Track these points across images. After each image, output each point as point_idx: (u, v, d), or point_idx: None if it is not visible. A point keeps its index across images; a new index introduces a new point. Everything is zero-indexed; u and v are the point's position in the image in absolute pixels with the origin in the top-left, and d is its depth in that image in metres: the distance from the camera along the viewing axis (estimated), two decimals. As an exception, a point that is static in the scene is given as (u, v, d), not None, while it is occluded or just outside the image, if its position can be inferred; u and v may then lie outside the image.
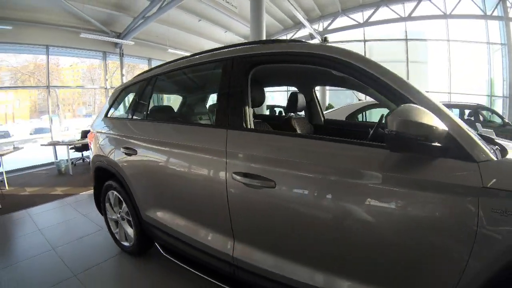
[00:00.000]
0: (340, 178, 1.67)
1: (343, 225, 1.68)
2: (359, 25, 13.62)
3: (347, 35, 14.86)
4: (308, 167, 1.78)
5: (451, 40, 13.47)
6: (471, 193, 1.35)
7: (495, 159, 1.40)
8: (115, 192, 3.43)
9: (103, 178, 3.66)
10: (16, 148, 7.53)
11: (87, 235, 4.19)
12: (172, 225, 2.65)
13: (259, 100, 2.67)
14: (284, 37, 14.87)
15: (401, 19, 12.75)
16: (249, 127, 2.11)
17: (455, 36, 13.48)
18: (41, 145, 8.82)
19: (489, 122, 10.55)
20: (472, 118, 10.52)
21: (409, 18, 12.58)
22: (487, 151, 1.41)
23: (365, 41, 14.85)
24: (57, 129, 11.20)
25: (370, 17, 13.23)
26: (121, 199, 3.33)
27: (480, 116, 10.76)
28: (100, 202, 3.85)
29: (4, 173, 7.31)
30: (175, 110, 4.20)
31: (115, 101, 3.89)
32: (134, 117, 3.38)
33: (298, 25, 14.07)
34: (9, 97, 19.40)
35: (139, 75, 3.65)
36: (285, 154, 1.87)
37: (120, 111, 4.02)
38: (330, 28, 14.20)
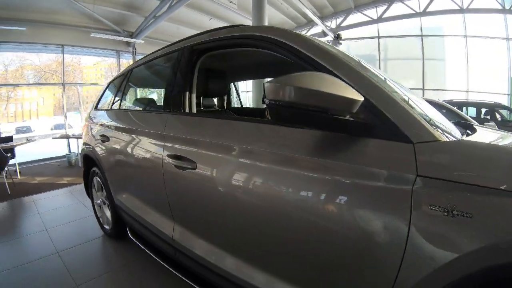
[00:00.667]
0: (249, 160, 1.63)
1: (254, 210, 1.61)
2: (372, 22, 13.47)
3: (361, 32, 14.74)
4: (221, 148, 1.80)
5: (469, 36, 13.09)
6: (401, 183, 1.09)
7: (446, 139, 1.13)
8: (97, 178, 3.77)
9: (89, 165, 4.01)
10: (29, 140, 8.15)
11: (78, 219, 4.57)
12: (133, 207, 2.90)
13: (218, 90, 2.92)
14: None
15: (416, 14, 12.50)
16: (186, 111, 2.23)
17: (472, 32, 13.08)
18: (53, 138, 9.41)
19: (507, 122, 10.24)
20: (489, 117, 10.27)
21: (424, 13, 12.32)
22: (431, 129, 1.14)
23: (379, 37, 14.67)
24: (78, 125, 11.91)
25: (384, 12, 13.05)
26: (101, 184, 3.66)
27: (498, 115, 10.47)
28: (88, 187, 4.22)
29: (17, 164, 7.92)
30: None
31: (103, 94, 4.24)
32: (112, 108, 3.71)
33: (311, 22, 14.06)
34: (33, 95, 20.57)
35: (122, 70, 3.97)
36: (205, 136, 1.95)
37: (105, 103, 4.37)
38: (343, 25, 14.09)
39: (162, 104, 2.63)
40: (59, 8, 9.38)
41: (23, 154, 8.99)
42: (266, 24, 8.53)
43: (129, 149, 2.86)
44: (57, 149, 10.40)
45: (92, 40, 10.22)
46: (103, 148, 3.38)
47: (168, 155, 2.16)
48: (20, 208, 5.29)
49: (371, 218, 1.17)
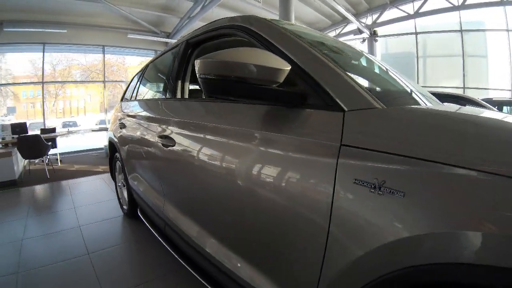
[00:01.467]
0: (200, 134, 1.88)
1: (202, 175, 1.83)
2: (409, 17, 13.03)
3: (397, 28, 14.29)
4: (187, 126, 2.06)
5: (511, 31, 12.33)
6: (327, 154, 1.03)
7: (380, 107, 1.03)
8: (118, 162, 4.22)
9: (113, 151, 4.49)
10: (69, 132, 8.99)
11: (104, 201, 5.08)
12: (139, 187, 3.25)
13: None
14: (333, 33, 14.96)
15: (454, 8, 11.98)
16: (177, 97, 2.46)
17: (516, 26, 12.27)
18: (92, 130, 10.24)
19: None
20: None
21: (463, 6, 11.73)
22: (367, 96, 1.07)
23: (416, 33, 14.13)
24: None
25: (420, 7, 12.56)
26: (121, 167, 4.10)
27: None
28: (112, 171, 4.72)
29: (58, 153, 8.81)
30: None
31: (128, 88, 4.71)
32: (128, 99, 4.17)
33: (346, 19, 13.82)
34: (80, 93, 22.15)
35: (142, 66, 4.41)
36: (181, 117, 2.21)
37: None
38: (379, 21, 13.70)
39: (161, 92, 2.97)
40: (98, 11, 10.18)
41: (66, 145, 9.95)
42: (293, 21, 8.72)
43: (136, 133, 3.23)
44: (98, 141, 11.26)
45: (131, 40, 11.02)
46: (121, 134, 3.81)
47: (158, 136, 2.46)
48: (56, 190, 5.96)
49: (298, 193, 1.13)
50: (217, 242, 1.75)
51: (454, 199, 0.73)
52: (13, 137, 7.27)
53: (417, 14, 12.76)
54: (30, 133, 8.13)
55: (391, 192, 0.82)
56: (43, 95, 11.67)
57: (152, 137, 2.66)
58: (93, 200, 5.12)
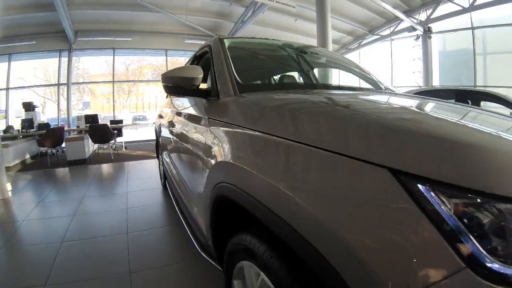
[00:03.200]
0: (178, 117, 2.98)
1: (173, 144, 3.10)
2: (463, 11, 12.29)
3: (455, 23, 13.62)
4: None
5: None
6: (205, 123, 1.91)
7: (235, 95, 1.73)
8: (159, 145, 5.46)
9: (157, 137, 5.74)
10: (134, 124, 10.74)
11: (151, 177, 6.37)
12: (165, 164, 4.37)
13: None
14: (387, 31, 14.62)
15: (512, -1, 11.23)
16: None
17: None
18: (153, 123, 11.87)
19: None
20: None
21: None
22: (231, 89, 1.78)
23: (473, 28, 13.30)
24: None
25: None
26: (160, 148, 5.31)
27: None
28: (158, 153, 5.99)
29: (123, 141, 10.66)
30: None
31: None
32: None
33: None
34: (151, 90, 24.75)
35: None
36: (177, 108, 3.23)
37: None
38: (433, 16, 13.03)
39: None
40: (160, 20, 11.86)
41: (134, 135, 11.81)
42: (329, 19, 9.17)
43: (162, 122, 4.37)
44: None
45: (189, 44, 12.53)
46: (158, 123, 5.00)
47: (168, 123, 3.59)
48: (116, 168, 7.55)
49: (193, 137, 2.14)
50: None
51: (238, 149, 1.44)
52: (86, 126, 9.11)
53: (472, 7, 12.04)
54: (100, 123, 9.96)
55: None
56: (113, 93, 14.02)
57: (165, 126, 3.76)
58: (142, 176, 6.46)
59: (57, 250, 3.09)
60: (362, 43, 15.86)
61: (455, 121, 1.07)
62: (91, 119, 9.60)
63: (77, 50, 12.32)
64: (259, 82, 2.30)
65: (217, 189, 1.49)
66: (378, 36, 14.98)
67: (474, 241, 0.62)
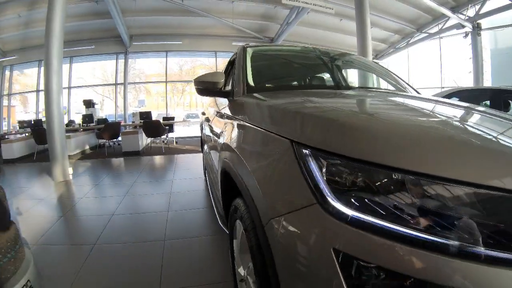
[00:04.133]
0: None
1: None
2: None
3: (504, 18, 12.47)
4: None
5: None
6: (223, 116, 2.33)
7: (243, 95, 2.12)
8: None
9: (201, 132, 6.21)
10: (185, 121, 11.44)
11: (196, 168, 6.85)
12: (205, 154, 4.79)
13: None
14: (435, 28, 13.91)
15: None
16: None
17: None
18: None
19: None
20: None
21: None
22: (240, 90, 2.18)
23: None
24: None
25: None
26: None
27: None
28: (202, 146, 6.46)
29: (174, 137, 11.39)
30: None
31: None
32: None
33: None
34: (203, 89, 25.85)
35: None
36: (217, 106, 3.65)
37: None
38: (482, 11, 11.95)
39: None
40: (208, 24, 12.55)
41: (186, 132, 12.56)
42: (368, 18, 9.02)
43: (204, 117, 4.76)
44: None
45: (236, 46, 12.97)
46: (202, 119, 5.41)
47: (205, 119, 4.01)
48: (165, 160, 8.17)
49: (217, 129, 2.61)
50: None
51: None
52: (140, 122, 9.91)
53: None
54: (153, 119, 10.74)
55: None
56: (166, 92, 15.12)
57: (205, 122, 4.12)
58: (188, 167, 6.96)
59: (107, 220, 3.60)
60: (410, 42, 15.17)
61: (343, 109, 1.46)
62: (145, 115, 10.41)
63: (132, 53, 13.50)
64: (265, 84, 2.54)
65: (222, 163, 1.95)
66: (426, 34, 14.21)
67: (325, 187, 0.90)
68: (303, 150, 1.01)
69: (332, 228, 0.83)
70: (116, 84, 14.36)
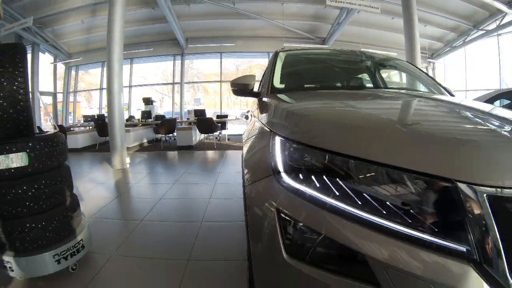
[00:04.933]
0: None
1: None
2: None
3: None
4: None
5: None
6: (252, 113, 2.64)
7: (265, 95, 2.29)
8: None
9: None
10: (237, 119, 11.85)
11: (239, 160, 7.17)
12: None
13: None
14: (493, 24, 12.81)
15: None
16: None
17: None
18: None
19: None
20: None
21: None
22: (265, 90, 2.39)
23: None
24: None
25: None
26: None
27: None
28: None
29: (226, 134, 11.86)
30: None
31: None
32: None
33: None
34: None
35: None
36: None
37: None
38: None
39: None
40: (259, 26, 12.90)
41: (239, 129, 13.01)
42: (415, 13, 8.73)
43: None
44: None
45: (287, 47, 13.12)
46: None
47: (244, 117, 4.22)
48: (216, 154, 8.59)
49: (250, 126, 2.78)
50: None
51: None
52: (194, 118, 10.47)
53: None
54: (207, 117, 11.29)
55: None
56: (220, 91, 15.75)
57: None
58: (236, 162, 7.27)
59: (155, 203, 4.01)
60: (467, 40, 14.14)
61: (313, 106, 1.73)
62: (200, 113, 10.97)
63: (188, 54, 14.32)
64: (288, 85, 2.64)
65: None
66: (484, 32, 13.17)
67: (280, 162, 1.16)
68: (276, 138, 1.27)
69: (278, 193, 1.08)
70: (173, 83, 15.27)
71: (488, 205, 0.76)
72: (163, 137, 11.00)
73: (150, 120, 11.57)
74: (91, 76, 17.34)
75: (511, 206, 0.77)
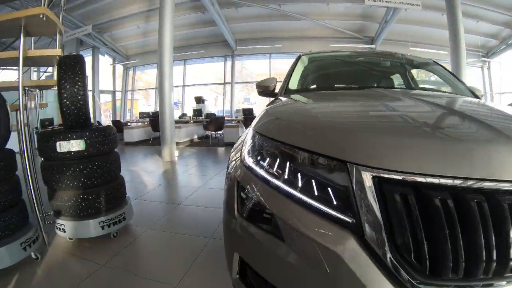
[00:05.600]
0: None
1: None
2: None
3: None
4: None
5: None
6: None
7: (282, 94, 2.48)
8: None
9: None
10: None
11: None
12: None
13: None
14: None
15: None
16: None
17: None
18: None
19: None
20: None
21: None
22: (282, 91, 2.57)
23: None
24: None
25: None
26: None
27: None
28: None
29: None
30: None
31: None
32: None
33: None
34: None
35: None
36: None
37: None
38: None
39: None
40: (306, 26, 13.02)
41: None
42: (459, 8, 8.41)
43: None
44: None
45: (334, 48, 12.96)
46: None
47: None
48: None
49: None
50: None
51: None
52: (242, 117, 11.04)
53: None
54: (254, 115, 11.75)
55: None
56: None
57: None
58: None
59: (195, 190, 4.52)
60: None
61: (290, 107, 1.86)
62: (247, 112, 11.50)
63: (238, 55, 14.97)
64: (301, 87, 2.84)
65: None
66: None
67: (246, 148, 1.39)
68: (250, 130, 1.52)
69: (241, 170, 1.33)
70: (224, 83, 15.98)
71: (371, 184, 0.88)
72: (212, 133, 11.59)
73: (201, 117, 12.31)
74: (148, 76, 18.70)
75: (393, 187, 0.86)
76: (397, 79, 3.11)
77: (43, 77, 5.35)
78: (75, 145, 2.54)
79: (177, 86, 15.56)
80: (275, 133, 1.27)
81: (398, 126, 1.21)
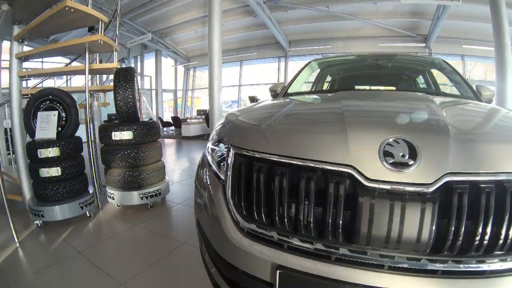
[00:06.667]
0: None
1: None
2: None
3: None
4: None
5: None
6: None
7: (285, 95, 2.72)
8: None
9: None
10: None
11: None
12: None
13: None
14: None
15: None
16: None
17: None
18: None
19: None
20: None
21: None
22: (287, 91, 2.78)
23: None
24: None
25: None
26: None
27: None
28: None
29: None
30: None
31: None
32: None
33: None
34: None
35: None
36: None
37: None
38: None
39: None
40: (356, 26, 12.99)
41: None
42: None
43: None
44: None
45: (384, 47, 12.78)
46: None
47: None
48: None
49: None
50: None
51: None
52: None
53: None
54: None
55: None
56: None
57: None
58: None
59: (227, 179, 5.21)
60: None
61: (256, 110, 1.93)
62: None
63: (291, 56, 15.45)
64: (298, 89, 3.12)
65: None
66: None
67: (210, 156, 1.59)
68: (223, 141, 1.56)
69: (208, 170, 1.54)
70: (278, 83, 16.01)
71: (232, 156, 1.29)
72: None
73: (254, 115, 12.88)
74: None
75: (241, 158, 1.25)
76: (385, 79, 3.37)
77: (106, 83, 6.52)
78: (125, 135, 3.41)
79: (233, 86, 16.68)
80: (220, 128, 1.66)
81: (294, 123, 1.49)
